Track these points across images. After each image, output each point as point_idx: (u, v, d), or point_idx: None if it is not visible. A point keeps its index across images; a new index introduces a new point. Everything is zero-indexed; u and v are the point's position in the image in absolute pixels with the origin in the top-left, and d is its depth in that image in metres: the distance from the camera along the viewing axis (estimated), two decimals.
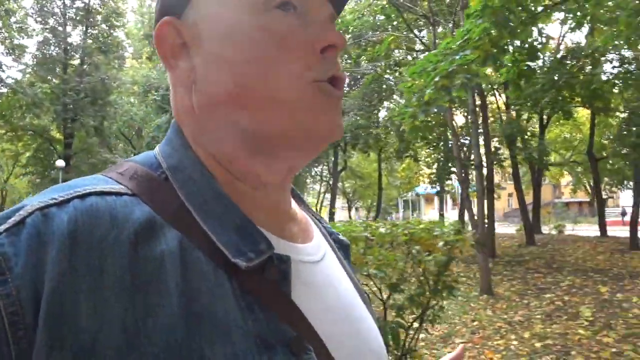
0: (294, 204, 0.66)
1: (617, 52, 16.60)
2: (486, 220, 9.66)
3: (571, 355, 5.33)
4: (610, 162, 19.03)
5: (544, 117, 18.93)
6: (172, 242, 0.47)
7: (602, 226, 18.97)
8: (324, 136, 0.55)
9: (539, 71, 12.41)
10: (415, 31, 14.99)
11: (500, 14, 4.72)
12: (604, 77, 13.09)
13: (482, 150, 12.89)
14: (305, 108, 0.53)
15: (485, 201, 13.20)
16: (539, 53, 6.35)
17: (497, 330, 6.46)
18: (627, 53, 16.98)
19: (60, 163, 20.51)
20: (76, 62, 24.45)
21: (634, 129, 11.88)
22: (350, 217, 29.21)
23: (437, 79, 4.83)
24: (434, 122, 14.16)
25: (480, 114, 10.89)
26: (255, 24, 0.53)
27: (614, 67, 9.64)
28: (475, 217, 8.57)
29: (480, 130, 11.50)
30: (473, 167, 14.04)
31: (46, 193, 0.47)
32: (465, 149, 15.61)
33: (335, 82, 0.55)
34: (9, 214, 0.45)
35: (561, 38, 18.11)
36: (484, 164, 12.92)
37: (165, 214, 0.49)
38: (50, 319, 0.40)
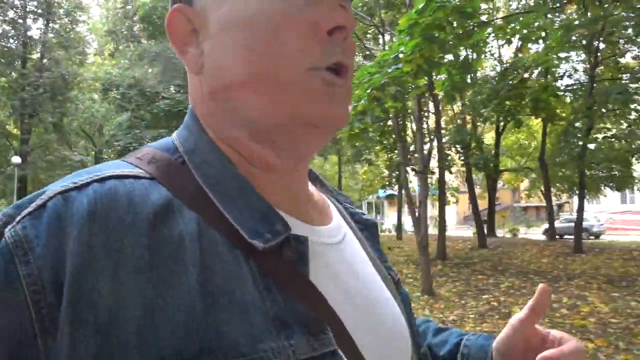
0: (311, 187, 0.66)
1: (570, 66, 17.43)
2: (428, 224, 10.05)
3: None
4: (563, 169, 19.86)
5: (500, 124, 19.67)
6: (190, 223, 0.47)
7: (552, 230, 19.84)
8: (325, 126, 0.55)
9: (492, 81, 13.01)
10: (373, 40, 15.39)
11: (428, 32, 5.05)
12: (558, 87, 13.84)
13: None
14: (303, 97, 0.52)
15: (433, 205, 13.69)
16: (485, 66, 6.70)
17: None
18: (579, 66, 17.87)
19: (16, 159, 20.10)
20: (36, 56, 23.99)
21: (571, 139, 12.50)
22: None
23: (369, 90, 5.13)
24: (390, 128, 14.52)
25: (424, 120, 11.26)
26: (255, 7, 0.52)
27: (555, 80, 10.18)
28: (419, 221, 8.92)
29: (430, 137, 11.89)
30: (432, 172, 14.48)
31: (67, 178, 0.49)
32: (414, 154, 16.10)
33: (339, 68, 0.54)
34: (32, 198, 0.47)
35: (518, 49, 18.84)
36: (434, 169, 13.37)
37: (182, 196, 0.50)
38: (72, 298, 0.41)
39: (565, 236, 22.77)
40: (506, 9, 18.42)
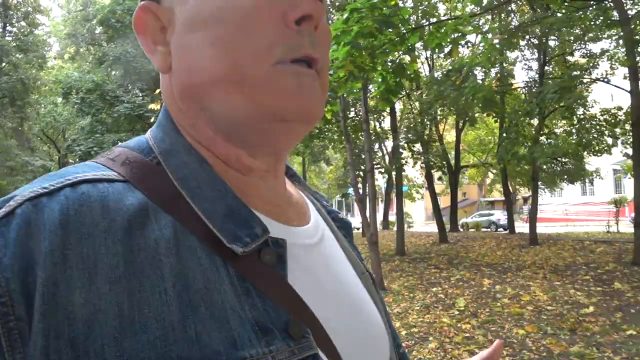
0: (289, 185, 0.65)
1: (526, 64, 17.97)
2: (380, 222, 10.36)
3: (428, 340, 6.02)
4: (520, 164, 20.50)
5: (460, 122, 20.22)
6: (166, 228, 0.46)
7: (511, 224, 20.48)
8: (296, 120, 0.53)
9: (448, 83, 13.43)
10: None
11: (356, 41, 5.33)
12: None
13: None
14: (271, 91, 0.50)
15: (384, 203, 14.01)
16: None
17: None
18: (534, 64, 18.48)
19: None
20: None
21: (512, 136, 12.98)
22: None
23: None
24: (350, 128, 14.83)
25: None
26: (219, 2, 0.51)
27: (500, 79, 10.61)
28: (368, 218, 9.22)
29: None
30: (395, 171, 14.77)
31: (36, 182, 0.46)
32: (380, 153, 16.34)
33: (308, 61, 0.52)
34: None
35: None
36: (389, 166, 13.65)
37: (158, 199, 0.48)
38: (45, 309, 0.40)
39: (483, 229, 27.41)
40: (462, 11, 18.90)
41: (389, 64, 6.51)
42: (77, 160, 20.68)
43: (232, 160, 0.55)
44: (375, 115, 18.21)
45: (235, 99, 0.51)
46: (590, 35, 14.00)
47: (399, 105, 22.06)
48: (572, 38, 14.83)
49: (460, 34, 6.03)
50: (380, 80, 6.41)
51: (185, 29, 0.52)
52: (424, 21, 9.69)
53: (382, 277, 9.60)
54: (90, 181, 0.46)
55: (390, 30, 5.52)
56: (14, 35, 23.86)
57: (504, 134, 13.11)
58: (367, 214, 9.32)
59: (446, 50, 7.09)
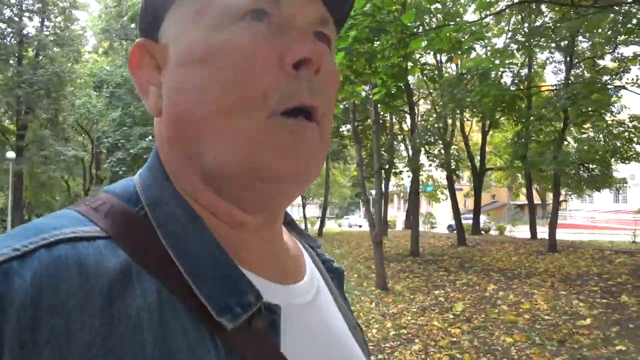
0: (286, 234, 0.62)
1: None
2: (403, 221, 10.41)
3: (413, 342, 6.11)
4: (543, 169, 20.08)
5: (486, 123, 19.98)
6: (149, 294, 0.42)
7: (533, 229, 20.10)
8: (289, 181, 0.48)
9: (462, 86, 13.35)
10: None
11: (350, 47, 5.45)
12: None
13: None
14: (264, 149, 0.46)
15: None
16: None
17: (367, 321, 7.22)
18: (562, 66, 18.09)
19: (11, 154, 20.62)
20: (31, 53, 24.52)
21: (521, 141, 12.80)
22: (304, 214, 30.18)
23: None
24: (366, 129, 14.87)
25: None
26: (216, 40, 0.47)
27: (528, 85, 10.49)
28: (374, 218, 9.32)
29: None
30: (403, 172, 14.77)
31: (8, 239, 0.41)
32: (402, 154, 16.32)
33: (306, 110, 0.47)
34: None
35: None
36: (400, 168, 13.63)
37: (142, 259, 0.44)
38: None
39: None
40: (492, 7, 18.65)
41: (391, 67, 6.57)
42: (105, 151, 21.46)
43: (221, 213, 0.50)
44: (400, 114, 18.22)
45: (225, 151, 0.47)
46: (621, 38, 13.63)
47: (426, 105, 22.01)
48: (602, 40, 14.47)
49: (456, 41, 6.06)
50: (380, 84, 6.50)
51: (176, 68, 0.49)
52: (449, 22, 9.69)
53: (386, 278, 9.69)
54: (69, 240, 0.42)
55: (385, 36, 5.60)
56: (51, 30, 24.82)
57: (516, 138, 12.95)
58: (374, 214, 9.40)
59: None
